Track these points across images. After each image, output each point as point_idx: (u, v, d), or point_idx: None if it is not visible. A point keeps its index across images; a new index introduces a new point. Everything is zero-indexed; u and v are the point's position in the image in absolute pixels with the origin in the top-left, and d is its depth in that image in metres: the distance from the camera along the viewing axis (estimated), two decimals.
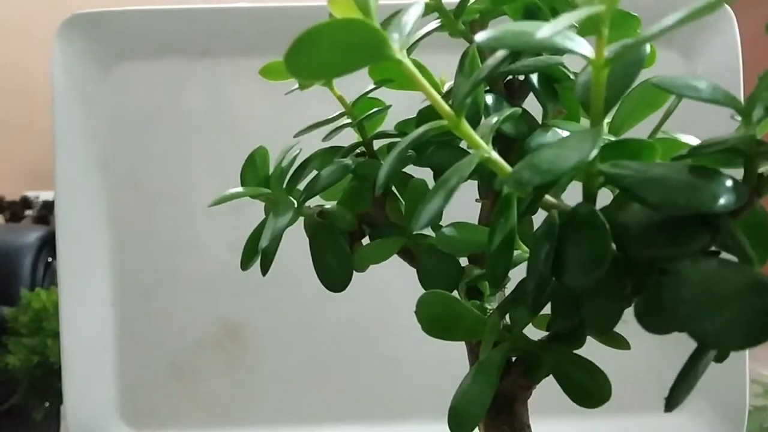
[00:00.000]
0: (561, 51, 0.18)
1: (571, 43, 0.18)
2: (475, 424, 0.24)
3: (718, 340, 0.16)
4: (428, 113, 0.26)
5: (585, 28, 0.24)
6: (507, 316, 0.25)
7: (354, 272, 0.28)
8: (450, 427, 0.24)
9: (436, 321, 0.25)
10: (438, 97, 0.20)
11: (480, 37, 0.17)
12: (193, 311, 0.59)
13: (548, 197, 0.20)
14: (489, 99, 0.24)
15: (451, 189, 0.19)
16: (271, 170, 0.28)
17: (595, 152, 0.17)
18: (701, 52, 0.56)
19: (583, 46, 0.18)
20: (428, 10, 0.26)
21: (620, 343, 0.24)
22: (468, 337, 0.26)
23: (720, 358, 0.20)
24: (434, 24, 0.26)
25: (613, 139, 0.22)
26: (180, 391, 0.59)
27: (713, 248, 0.18)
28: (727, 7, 0.54)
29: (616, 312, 0.19)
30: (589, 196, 0.19)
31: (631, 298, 0.19)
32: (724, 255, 0.18)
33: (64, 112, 0.56)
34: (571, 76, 0.25)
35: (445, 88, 0.28)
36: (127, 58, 0.58)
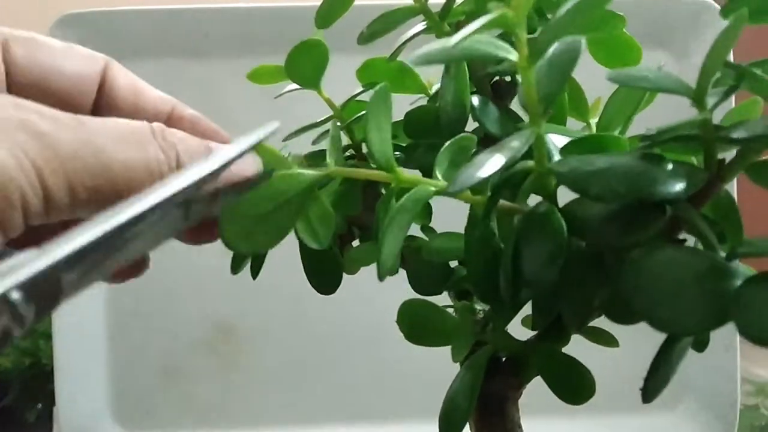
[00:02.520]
0: (486, 57, 0.18)
1: (495, 49, 0.18)
2: (461, 424, 0.24)
3: (676, 326, 0.16)
4: (416, 115, 0.27)
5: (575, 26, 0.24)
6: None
7: (346, 274, 0.29)
8: (440, 429, 0.24)
9: (415, 329, 0.25)
10: None
11: (412, 58, 0.17)
12: (185, 313, 0.59)
13: (506, 203, 0.21)
14: (475, 100, 0.24)
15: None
16: None
17: (516, 152, 0.17)
18: (694, 53, 0.56)
19: (507, 51, 0.18)
20: (414, 12, 0.26)
21: (609, 341, 0.24)
22: (447, 342, 0.26)
23: (700, 348, 0.20)
24: (421, 26, 0.26)
25: (577, 137, 0.22)
26: (172, 391, 0.59)
27: (681, 237, 0.19)
28: (719, 8, 0.54)
29: (587, 305, 0.20)
30: (546, 194, 0.20)
31: (599, 291, 0.19)
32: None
33: None
34: None
35: (433, 89, 0.28)
36: (119, 58, 0.57)
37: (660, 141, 0.18)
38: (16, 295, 0.15)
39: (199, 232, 0.25)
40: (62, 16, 0.55)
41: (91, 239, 0.17)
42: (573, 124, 0.26)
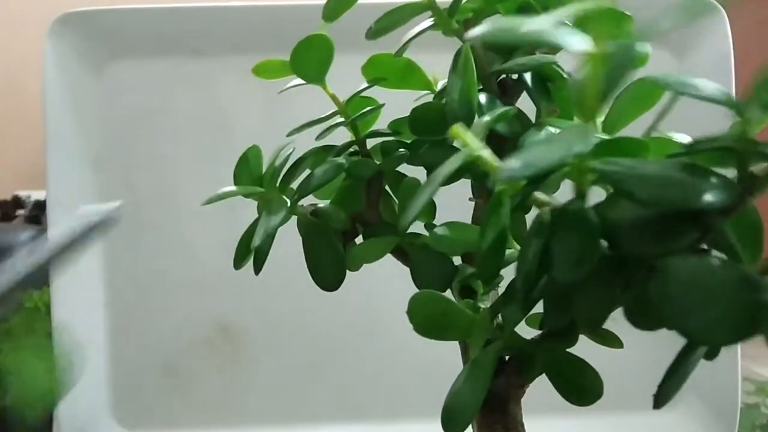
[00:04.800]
0: (558, 46, 0.18)
1: (568, 38, 0.17)
2: (467, 422, 0.24)
3: (706, 337, 0.16)
4: (421, 112, 0.26)
5: (580, 25, 0.24)
6: (500, 315, 0.25)
7: (348, 271, 0.28)
8: (443, 426, 0.24)
9: (427, 320, 0.25)
10: None
11: (472, 33, 0.17)
12: (186, 311, 0.59)
13: (539, 195, 0.20)
14: (482, 98, 0.24)
15: (435, 187, 0.19)
16: (264, 169, 0.28)
17: (583, 147, 0.17)
18: (693, 52, 0.56)
19: (580, 42, 0.18)
20: (421, 8, 0.26)
21: (613, 341, 0.24)
22: (459, 336, 0.26)
23: (710, 356, 0.20)
24: (427, 23, 0.26)
25: (606, 137, 0.22)
26: (173, 391, 0.59)
27: (704, 246, 0.18)
28: (720, 6, 0.54)
29: (606, 309, 0.19)
30: (580, 193, 0.19)
31: (621, 295, 0.19)
32: (716, 254, 0.18)
33: (56, 111, 0.56)
34: (564, 75, 0.25)
35: (439, 86, 0.28)
36: (118, 57, 0.58)
37: (696, 151, 0.18)
38: None
39: None
40: (62, 15, 0.55)
41: None
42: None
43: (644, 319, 0.18)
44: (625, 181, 0.18)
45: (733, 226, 0.19)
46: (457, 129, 0.19)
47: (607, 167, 0.18)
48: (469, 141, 0.19)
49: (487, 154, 0.19)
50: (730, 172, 0.18)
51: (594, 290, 0.19)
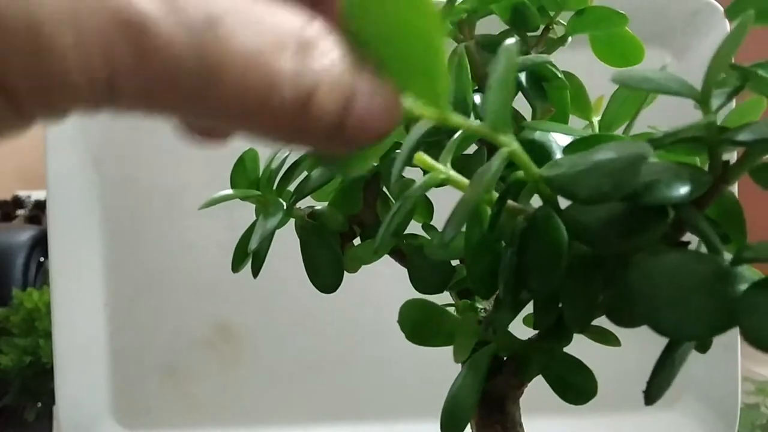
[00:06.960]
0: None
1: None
2: (465, 423, 0.24)
3: (679, 332, 0.16)
4: None
5: (574, 27, 0.24)
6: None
7: (346, 273, 0.28)
8: (442, 428, 0.24)
9: (418, 327, 0.25)
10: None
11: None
12: (185, 311, 0.59)
13: (512, 203, 0.20)
14: (477, 99, 0.24)
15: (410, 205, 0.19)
16: (261, 172, 0.28)
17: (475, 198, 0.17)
18: (693, 52, 0.56)
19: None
20: None
21: (610, 339, 0.24)
22: (449, 342, 0.26)
23: (702, 349, 0.20)
24: None
25: (585, 134, 0.22)
26: (172, 390, 0.59)
27: (684, 240, 0.18)
28: (719, 6, 0.54)
29: (589, 307, 0.19)
30: (546, 197, 0.19)
31: (603, 293, 0.19)
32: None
33: None
34: (559, 75, 0.25)
35: None
36: None
37: (664, 144, 0.18)
38: None
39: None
40: None
41: None
42: (575, 122, 0.26)
43: (622, 316, 0.18)
44: (566, 182, 0.17)
45: (715, 214, 0.19)
46: (421, 156, 0.19)
47: (551, 172, 0.18)
48: (434, 166, 0.19)
49: (453, 174, 0.19)
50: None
51: (576, 290, 0.19)
